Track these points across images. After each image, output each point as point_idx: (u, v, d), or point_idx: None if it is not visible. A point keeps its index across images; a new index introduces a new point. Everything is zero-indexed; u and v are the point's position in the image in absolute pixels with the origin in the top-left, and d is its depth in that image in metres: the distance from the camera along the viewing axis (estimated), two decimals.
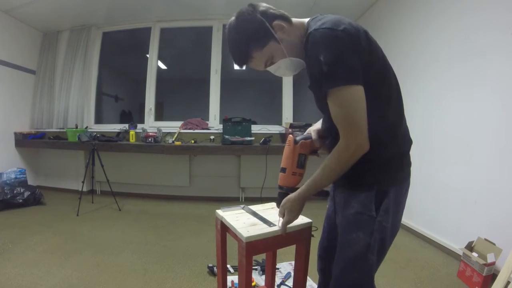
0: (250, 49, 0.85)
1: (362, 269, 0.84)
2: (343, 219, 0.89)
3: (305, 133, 0.99)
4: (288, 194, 0.94)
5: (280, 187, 0.96)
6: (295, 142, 0.93)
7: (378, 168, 0.82)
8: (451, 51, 2.15)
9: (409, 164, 0.90)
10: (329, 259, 1.04)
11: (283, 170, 0.94)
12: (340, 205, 0.93)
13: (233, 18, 0.87)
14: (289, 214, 0.92)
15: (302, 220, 1.04)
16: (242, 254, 0.93)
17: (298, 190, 0.89)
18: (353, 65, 0.73)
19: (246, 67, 0.96)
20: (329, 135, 0.91)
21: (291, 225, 0.97)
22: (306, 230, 1.04)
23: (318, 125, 1.01)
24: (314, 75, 0.79)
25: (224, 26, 3.85)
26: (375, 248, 0.83)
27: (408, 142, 0.90)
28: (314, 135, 0.97)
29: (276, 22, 0.84)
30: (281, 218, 0.96)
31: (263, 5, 0.88)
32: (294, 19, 0.89)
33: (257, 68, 0.90)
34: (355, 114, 0.74)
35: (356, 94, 0.74)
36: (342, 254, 0.87)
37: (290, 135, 0.95)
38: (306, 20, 0.89)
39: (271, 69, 0.90)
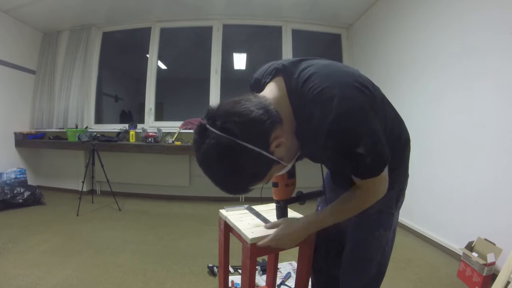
0: (248, 186, 0.68)
1: (381, 263, 0.90)
2: (363, 220, 0.87)
3: None
4: (286, 207, 0.94)
5: (277, 202, 0.94)
6: None
7: (397, 170, 0.83)
8: (451, 51, 2.15)
9: None
10: (319, 258, 1.07)
11: (276, 184, 0.91)
12: None
13: (206, 149, 0.61)
14: (283, 242, 0.86)
15: None
16: (246, 256, 0.93)
17: (310, 221, 0.84)
18: (384, 140, 0.69)
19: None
20: None
21: None
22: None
23: None
24: (346, 162, 0.71)
25: (224, 26, 3.86)
26: (390, 240, 0.90)
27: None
28: None
29: (274, 144, 0.65)
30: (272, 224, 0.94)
31: (249, 115, 0.61)
32: (271, 95, 0.71)
33: None
34: (386, 179, 0.74)
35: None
36: (363, 252, 0.89)
37: None
38: (277, 84, 0.73)
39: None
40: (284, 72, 0.73)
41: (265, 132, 0.63)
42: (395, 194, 0.88)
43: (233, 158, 0.61)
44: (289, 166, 0.78)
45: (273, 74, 0.76)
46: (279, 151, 0.67)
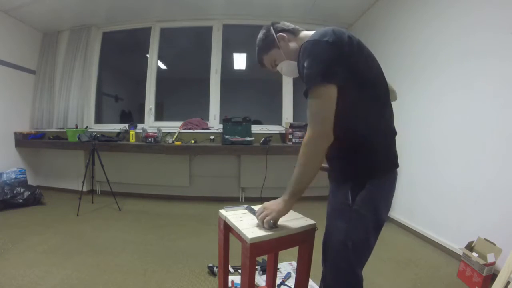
0: (260, 54, 1.11)
1: (343, 256, 0.92)
2: (331, 210, 1.00)
3: None
4: None
5: None
6: None
7: (360, 161, 0.91)
8: (451, 51, 2.15)
9: (395, 156, 0.98)
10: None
11: None
12: (330, 197, 1.04)
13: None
14: (266, 212, 0.97)
15: (305, 221, 1.05)
16: (246, 255, 0.93)
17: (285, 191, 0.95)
18: (329, 68, 0.84)
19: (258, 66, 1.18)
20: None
21: (297, 226, 1.00)
22: (309, 232, 1.04)
23: None
24: (302, 79, 0.91)
25: (224, 26, 3.86)
26: (354, 235, 0.90)
27: (391, 134, 0.97)
28: None
29: (280, 34, 1.06)
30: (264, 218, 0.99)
31: (281, 23, 1.10)
32: (304, 32, 1.07)
33: (269, 69, 1.13)
34: (322, 107, 0.85)
35: (327, 91, 0.84)
36: (328, 241, 0.99)
37: None
38: (312, 32, 1.00)
39: (278, 68, 1.11)
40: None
41: (280, 28, 1.07)
42: (351, 186, 0.91)
43: (261, 34, 1.10)
44: (288, 65, 1.06)
45: None
46: (282, 42, 1.05)
